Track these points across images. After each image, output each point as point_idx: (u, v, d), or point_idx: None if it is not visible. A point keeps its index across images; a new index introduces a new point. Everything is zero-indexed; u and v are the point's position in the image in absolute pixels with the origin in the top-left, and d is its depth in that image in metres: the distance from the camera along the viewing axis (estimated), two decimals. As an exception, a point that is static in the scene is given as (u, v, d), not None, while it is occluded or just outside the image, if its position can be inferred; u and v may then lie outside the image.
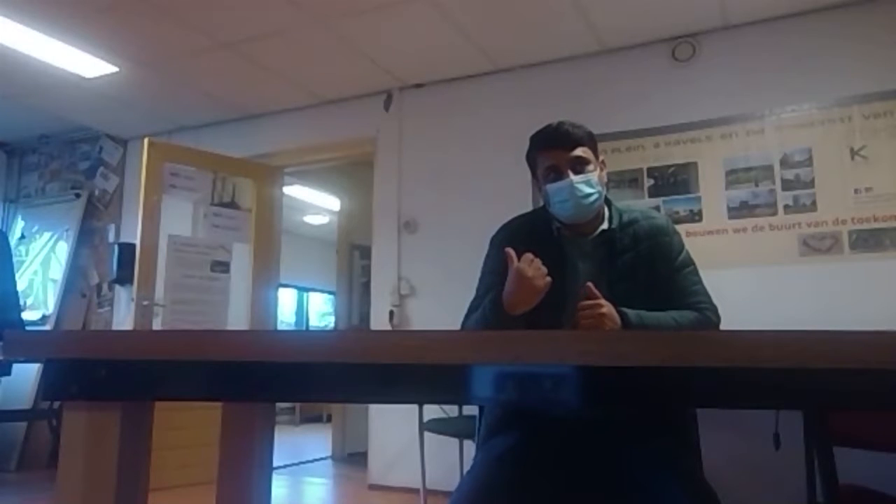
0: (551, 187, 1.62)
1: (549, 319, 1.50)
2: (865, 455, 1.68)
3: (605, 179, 1.67)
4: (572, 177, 1.59)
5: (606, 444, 1.39)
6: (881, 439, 1.69)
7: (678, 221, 3.38)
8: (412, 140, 4.21)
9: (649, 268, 1.58)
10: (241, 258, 4.47)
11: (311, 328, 9.83)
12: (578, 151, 1.62)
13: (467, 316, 1.67)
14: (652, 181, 3.53)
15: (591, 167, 1.62)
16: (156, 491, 1.17)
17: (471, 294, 1.72)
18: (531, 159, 1.71)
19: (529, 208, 3.31)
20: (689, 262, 1.64)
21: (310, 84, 4.23)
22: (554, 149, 1.62)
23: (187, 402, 0.87)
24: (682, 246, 1.66)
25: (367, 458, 4.03)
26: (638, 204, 3.40)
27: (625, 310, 1.47)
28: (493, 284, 1.67)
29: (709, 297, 1.61)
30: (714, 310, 1.59)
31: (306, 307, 10.21)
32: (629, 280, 1.55)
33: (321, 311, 10.43)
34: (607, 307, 1.45)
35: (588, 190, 1.59)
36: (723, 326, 1.57)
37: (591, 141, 1.65)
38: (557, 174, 1.61)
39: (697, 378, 0.75)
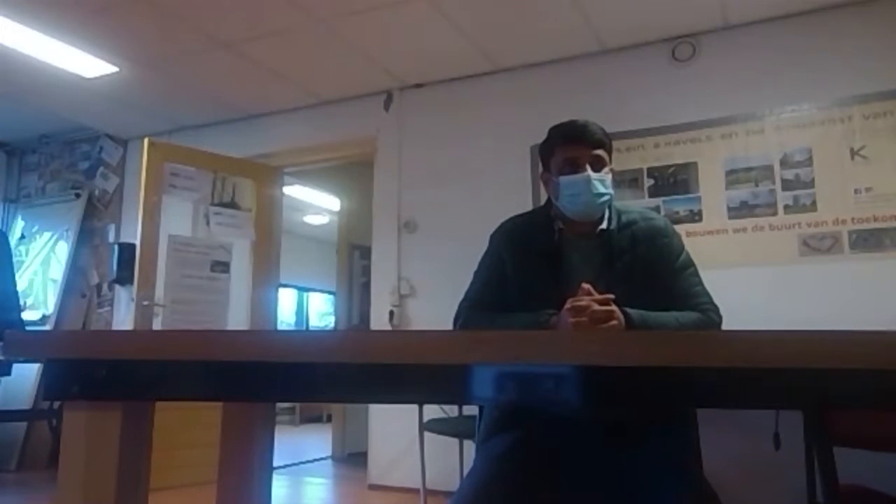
0: (565, 179, 1.62)
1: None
2: (865, 455, 1.68)
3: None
4: (591, 172, 1.60)
5: (606, 443, 1.39)
6: (881, 439, 1.69)
7: (678, 221, 3.37)
8: (412, 140, 4.21)
9: (648, 269, 1.58)
10: (241, 258, 4.47)
11: (311, 328, 9.82)
12: (599, 151, 1.64)
13: (466, 311, 1.67)
14: (652, 181, 3.53)
15: (606, 170, 1.65)
16: (156, 491, 1.17)
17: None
18: (547, 150, 1.71)
19: (529, 208, 3.31)
20: (690, 264, 1.64)
21: (310, 84, 4.23)
22: (577, 143, 1.63)
23: (187, 401, 0.87)
24: (682, 247, 1.66)
25: (367, 458, 4.03)
26: (637, 204, 3.41)
27: (628, 309, 1.47)
28: (490, 281, 1.67)
29: (710, 297, 1.61)
30: (716, 310, 1.59)
31: (306, 307, 10.21)
32: (628, 281, 1.55)
33: (321, 311, 10.43)
34: (614, 309, 1.45)
35: (602, 189, 1.61)
36: (722, 326, 1.58)
37: (609, 147, 1.68)
38: (575, 168, 1.62)
39: (697, 378, 0.75)
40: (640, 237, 1.62)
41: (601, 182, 1.60)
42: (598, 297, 1.45)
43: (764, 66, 3.38)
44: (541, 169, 1.75)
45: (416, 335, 0.82)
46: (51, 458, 4.58)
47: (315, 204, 7.14)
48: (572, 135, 1.65)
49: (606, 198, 1.62)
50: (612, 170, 1.68)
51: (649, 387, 0.77)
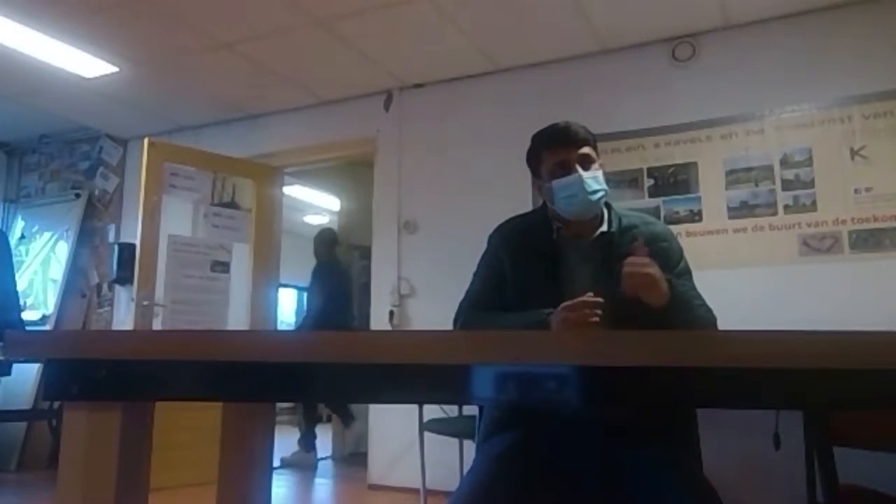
0: (559, 183, 1.62)
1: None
2: (865, 455, 1.68)
3: None
4: (582, 172, 1.60)
5: (606, 443, 1.38)
6: (881, 439, 1.69)
7: (678, 221, 3.38)
8: (412, 140, 4.20)
9: None
10: (241, 258, 4.47)
11: (311, 328, 9.79)
12: (585, 149, 1.64)
13: (466, 311, 1.67)
14: (652, 181, 3.53)
15: (595, 166, 1.65)
16: (156, 491, 1.17)
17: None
18: (535, 157, 1.71)
19: (529, 208, 3.31)
20: (688, 269, 1.65)
21: (310, 84, 4.23)
22: (563, 146, 1.64)
23: (187, 402, 0.87)
24: (681, 252, 1.66)
25: (367, 458, 4.03)
26: (637, 204, 3.41)
27: (670, 277, 1.47)
28: (489, 281, 1.67)
29: (704, 300, 1.62)
30: (711, 310, 1.60)
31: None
32: (629, 283, 1.55)
33: (321, 311, 10.39)
34: (655, 270, 1.43)
35: (596, 186, 1.61)
36: (722, 327, 1.58)
37: (594, 144, 1.68)
38: (565, 170, 1.62)
39: (697, 378, 0.75)
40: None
41: (594, 179, 1.61)
42: (587, 299, 1.43)
43: (764, 66, 3.37)
44: (531, 177, 1.75)
45: (416, 335, 0.82)
46: (51, 458, 4.58)
47: (315, 204, 7.14)
48: (557, 137, 1.65)
49: (601, 194, 1.62)
50: (601, 165, 1.68)
51: (649, 387, 0.77)
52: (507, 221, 1.77)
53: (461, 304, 1.70)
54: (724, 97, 3.43)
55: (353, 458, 5.05)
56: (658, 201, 3.49)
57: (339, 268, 5.29)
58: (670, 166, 3.50)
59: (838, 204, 3.15)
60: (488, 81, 4.03)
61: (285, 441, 5.28)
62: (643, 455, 1.34)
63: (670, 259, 1.62)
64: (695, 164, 3.45)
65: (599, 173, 1.63)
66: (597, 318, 1.42)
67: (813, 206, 3.20)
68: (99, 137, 5.23)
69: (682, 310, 1.49)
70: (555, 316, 1.46)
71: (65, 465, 0.85)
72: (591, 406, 1.31)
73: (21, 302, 4.13)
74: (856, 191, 3.13)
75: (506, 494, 1.29)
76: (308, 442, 5.01)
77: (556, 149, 1.65)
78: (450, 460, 3.22)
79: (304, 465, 4.88)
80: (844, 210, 3.13)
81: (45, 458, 4.63)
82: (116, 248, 4.81)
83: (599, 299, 1.43)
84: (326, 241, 5.27)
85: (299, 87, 4.25)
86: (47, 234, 5.29)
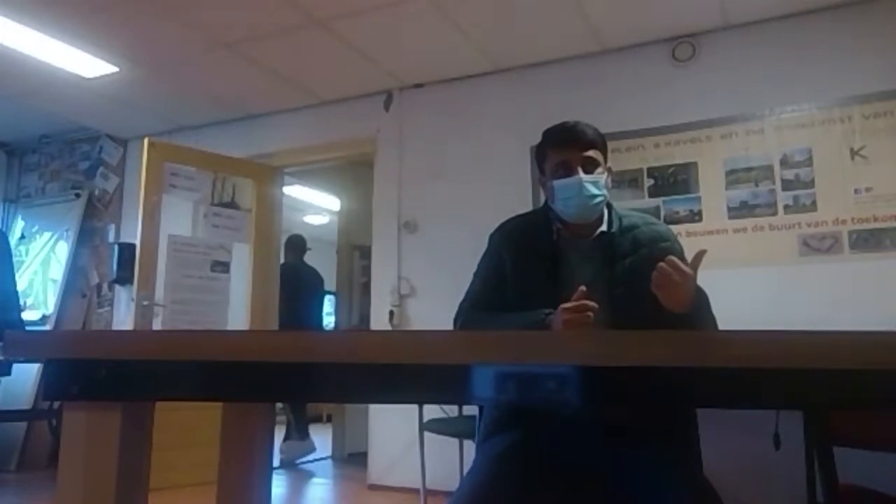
0: (558, 183, 1.62)
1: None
2: (865, 455, 1.68)
3: (610, 186, 1.68)
4: (582, 175, 1.59)
5: (606, 443, 1.39)
6: (881, 439, 1.69)
7: (678, 221, 3.38)
8: (412, 140, 4.21)
9: (649, 272, 1.57)
10: (241, 258, 4.47)
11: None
12: (590, 152, 1.63)
13: (466, 311, 1.67)
14: (652, 181, 3.53)
15: (599, 170, 1.64)
16: (156, 491, 1.17)
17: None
18: (541, 154, 1.71)
19: (529, 208, 3.31)
20: None
21: (310, 84, 4.23)
22: (567, 146, 1.63)
23: (187, 402, 0.87)
24: (682, 253, 1.66)
25: (367, 459, 4.03)
26: (637, 204, 3.42)
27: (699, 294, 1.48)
28: (490, 281, 1.67)
29: (712, 313, 1.62)
30: (717, 326, 1.60)
31: (306, 307, 10.17)
32: (629, 284, 1.55)
33: (321, 311, 10.40)
34: (691, 276, 1.42)
35: (595, 191, 1.60)
36: (722, 327, 1.58)
37: (603, 146, 1.67)
38: (567, 171, 1.62)
39: (697, 378, 0.75)
40: (643, 240, 1.62)
41: (593, 184, 1.60)
42: (587, 302, 1.42)
43: (764, 66, 3.37)
44: (538, 173, 1.75)
45: (415, 335, 0.82)
46: (51, 458, 4.58)
47: (315, 204, 7.14)
48: (562, 137, 1.65)
49: (599, 199, 1.62)
50: (609, 169, 1.67)
51: (649, 387, 0.77)
52: (508, 221, 1.77)
53: (461, 304, 1.70)
54: (724, 97, 3.43)
55: (353, 458, 5.05)
56: (658, 201, 3.49)
57: (296, 272, 5.32)
58: (670, 166, 3.50)
59: (838, 204, 3.15)
60: (488, 81, 4.03)
61: (285, 441, 5.28)
62: (643, 455, 1.34)
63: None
64: (695, 164, 3.45)
65: (602, 178, 1.62)
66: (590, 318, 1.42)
67: (813, 206, 3.19)
68: (99, 137, 5.23)
69: (693, 327, 1.48)
70: (555, 317, 1.46)
71: (65, 465, 0.85)
72: (591, 406, 1.31)
73: (21, 302, 4.13)
74: (856, 191, 3.13)
75: (506, 494, 1.29)
76: (301, 429, 5.09)
77: (560, 148, 1.64)
78: (450, 460, 3.22)
79: (303, 451, 4.97)
80: (844, 210, 3.13)
81: (45, 458, 4.63)
82: (116, 248, 4.81)
83: (594, 305, 1.42)
84: (291, 246, 5.45)
85: (299, 87, 4.25)
86: (47, 234, 5.29)
